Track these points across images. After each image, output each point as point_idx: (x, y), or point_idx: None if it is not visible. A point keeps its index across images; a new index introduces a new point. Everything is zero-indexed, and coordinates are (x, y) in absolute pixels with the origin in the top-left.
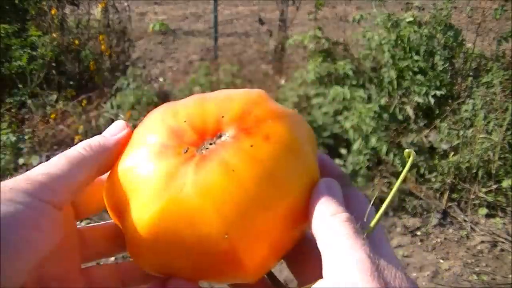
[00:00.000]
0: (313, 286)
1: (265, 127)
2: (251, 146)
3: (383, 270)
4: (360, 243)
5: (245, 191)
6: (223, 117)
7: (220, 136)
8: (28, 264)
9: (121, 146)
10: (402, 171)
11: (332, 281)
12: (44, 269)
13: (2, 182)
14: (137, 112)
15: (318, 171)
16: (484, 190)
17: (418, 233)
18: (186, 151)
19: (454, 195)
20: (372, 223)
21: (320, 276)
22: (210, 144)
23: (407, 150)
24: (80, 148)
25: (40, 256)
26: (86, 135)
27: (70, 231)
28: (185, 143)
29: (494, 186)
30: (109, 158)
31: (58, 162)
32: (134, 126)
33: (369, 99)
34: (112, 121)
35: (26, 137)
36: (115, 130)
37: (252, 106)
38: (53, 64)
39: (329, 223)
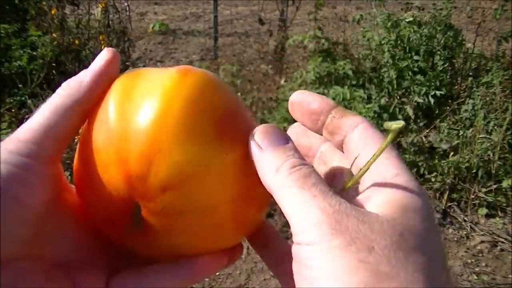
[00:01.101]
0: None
1: None
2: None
3: (344, 221)
4: (310, 195)
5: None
6: None
7: None
8: (22, 222)
9: (104, 78)
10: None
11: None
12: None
13: None
14: None
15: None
16: (484, 190)
17: None
18: None
19: (454, 195)
20: (349, 184)
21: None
22: None
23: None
24: (60, 90)
25: (32, 212)
26: None
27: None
28: None
29: (494, 186)
30: (91, 97)
31: (40, 113)
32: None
33: (369, 99)
34: None
35: None
36: (99, 61)
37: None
38: (53, 64)
39: (275, 183)
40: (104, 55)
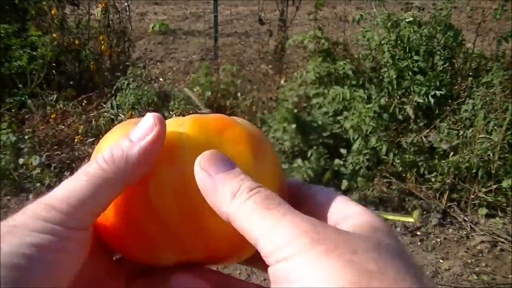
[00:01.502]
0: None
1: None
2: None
3: (322, 232)
4: (278, 214)
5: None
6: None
7: None
8: (63, 284)
9: (150, 153)
10: (402, 171)
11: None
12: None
13: (22, 210)
14: (137, 112)
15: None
16: (484, 190)
17: (418, 233)
18: None
19: (454, 195)
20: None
21: None
22: None
23: None
24: (102, 162)
25: (71, 274)
26: (86, 135)
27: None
28: None
29: (494, 186)
30: (136, 173)
31: (78, 184)
32: None
33: (369, 99)
34: (113, 121)
35: (26, 137)
36: (144, 130)
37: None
38: (53, 64)
39: (234, 209)
40: (152, 125)
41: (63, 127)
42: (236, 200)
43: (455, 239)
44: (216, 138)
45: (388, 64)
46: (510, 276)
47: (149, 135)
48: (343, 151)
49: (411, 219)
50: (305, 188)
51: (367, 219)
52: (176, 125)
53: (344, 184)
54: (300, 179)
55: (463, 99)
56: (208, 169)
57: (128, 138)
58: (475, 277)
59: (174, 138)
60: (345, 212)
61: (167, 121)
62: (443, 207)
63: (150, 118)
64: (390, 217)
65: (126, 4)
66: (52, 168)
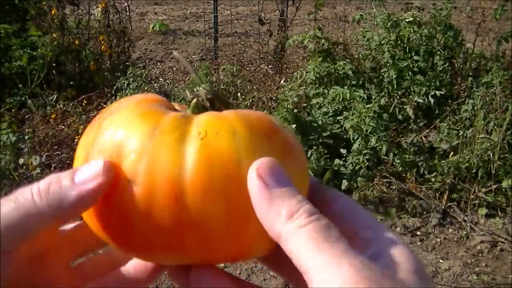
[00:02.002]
0: None
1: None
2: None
3: (379, 280)
4: (339, 250)
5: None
6: None
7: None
8: None
9: (87, 200)
10: (402, 171)
11: None
12: (31, 273)
13: None
14: None
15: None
16: (484, 190)
17: (418, 233)
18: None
19: (454, 195)
20: None
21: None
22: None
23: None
24: (36, 194)
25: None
26: None
27: (52, 235)
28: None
29: (494, 186)
30: (68, 214)
31: (7, 211)
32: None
33: (369, 99)
34: None
35: (26, 137)
36: (90, 175)
37: None
38: (53, 64)
39: (290, 231)
40: (98, 173)
41: (63, 127)
42: (293, 222)
43: (455, 239)
44: (266, 146)
45: (388, 64)
46: (510, 276)
47: (92, 183)
48: (343, 151)
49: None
50: (322, 189)
51: (406, 258)
52: (227, 128)
53: (344, 184)
54: (315, 178)
55: (463, 99)
56: (267, 179)
57: (71, 175)
58: (475, 277)
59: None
60: (374, 238)
61: (206, 117)
62: (443, 207)
63: (99, 164)
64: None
65: (126, 4)
66: (52, 168)
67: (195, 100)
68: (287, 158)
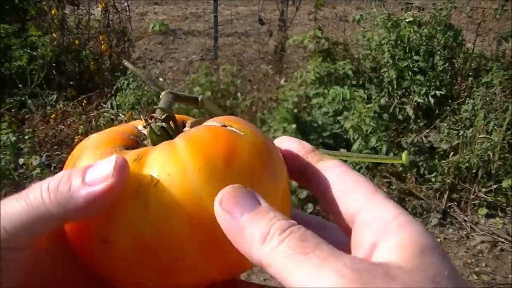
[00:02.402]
0: None
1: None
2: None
3: (370, 281)
4: (317, 259)
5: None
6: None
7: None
8: None
9: (99, 201)
10: (402, 171)
11: None
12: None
13: None
14: (137, 112)
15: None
16: (484, 190)
17: None
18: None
19: (454, 195)
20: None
21: None
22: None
23: None
24: (45, 192)
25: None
26: (86, 135)
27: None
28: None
29: (494, 186)
30: (79, 214)
31: (15, 208)
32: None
33: (369, 99)
34: (113, 121)
35: (26, 137)
36: (101, 175)
37: None
38: (53, 64)
39: (267, 255)
40: (110, 173)
41: (63, 127)
42: (267, 245)
43: (455, 239)
44: (225, 171)
45: (388, 64)
46: (510, 276)
47: (103, 183)
48: (343, 151)
49: (400, 161)
50: (314, 159)
51: (412, 236)
52: (178, 166)
53: None
54: (308, 145)
55: (463, 99)
56: (232, 210)
57: (82, 174)
58: (475, 277)
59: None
60: (377, 217)
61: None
62: (443, 207)
63: (111, 163)
64: (378, 160)
65: (126, 4)
66: (52, 168)
67: (148, 129)
68: (253, 174)
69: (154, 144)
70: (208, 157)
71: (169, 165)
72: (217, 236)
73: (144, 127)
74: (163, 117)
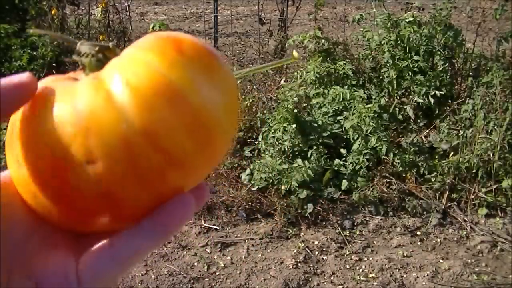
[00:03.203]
0: None
1: None
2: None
3: None
4: None
5: None
6: None
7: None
8: None
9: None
10: (402, 171)
11: None
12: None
13: None
14: None
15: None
16: (484, 190)
17: (418, 233)
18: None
19: (454, 195)
20: None
21: None
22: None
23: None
24: None
25: None
26: None
27: None
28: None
29: (494, 186)
30: None
31: None
32: None
33: (369, 99)
34: None
35: None
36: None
37: None
38: (53, 64)
39: None
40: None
41: None
42: None
43: (455, 239)
44: (181, 59)
45: (388, 64)
46: (510, 276)
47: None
48: (343, 151)
49: (292, 60)
50: None
51: None
52: (132, 61)
53: (344, 184)
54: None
55: (463, 99)
56: None
57: None
58: (475, 277)
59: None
60: None
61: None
62: (443, 207)
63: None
64: (271, 66)
65: (126, 4)
66: None
67: (88, 59)
68: (204, 61)
69: (92, 71)
70: (161, 52)
71: (133, 66)
72: (196, 119)
73: (83, 64)
74: (96, 48)
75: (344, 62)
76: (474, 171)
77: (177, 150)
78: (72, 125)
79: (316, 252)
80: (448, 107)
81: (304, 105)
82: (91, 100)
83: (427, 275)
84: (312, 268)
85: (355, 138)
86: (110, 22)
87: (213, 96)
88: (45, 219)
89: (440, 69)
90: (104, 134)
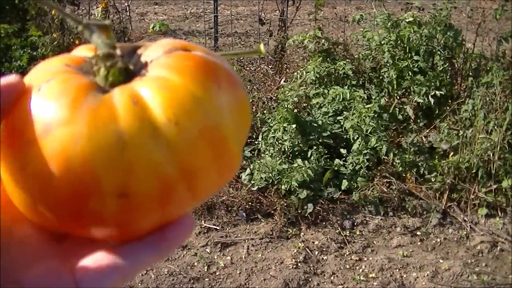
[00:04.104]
0: None
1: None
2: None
3: None
4: None
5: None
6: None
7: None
8: None
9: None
10: (402, 171)
11: None
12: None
13: None
14: None
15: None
16: (484, 190)
17: (418, 233)
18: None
19: (454, 195)
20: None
21: None
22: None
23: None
24: None
25: None
26: None
27: None
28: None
29: (494, 186)
30: None
31: None
32: None
33: (369, 99)
34: None
35: None
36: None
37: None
38: None
39: None
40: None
41: None
42: None
43: (455, 239)
44: (220, 93)
45: (388, 64)
46: (510, 276)
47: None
48: (343, 151)
49: (258, 53)
50: None
51: None
52: (174, 92)
53: (344, 184)
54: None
55: (463, 99)
56: None
57: None
58: (475, 277)
59: None
60: None
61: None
62: (443, 207)
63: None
64: (237, 55)
65: (126, 4)
66: None
67: (112, 66)
68: (234, 89)
69: (114, 80)
70: (205, 85)
71: (177, 99)
72: (230, 153)
73: (99, 66)
74: (119, 53)
75: (344, 62)
76: (474, 171)
77: (205, 190)
78: (113, 156)
79: (316, 252)
80: (448, 107)
81: (304, 105)
82: (137, 135)
83: (427, 275)
84: (312, 268)
85: (355, 138)
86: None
87: (242, 137)
88: (36, 222)
89: (440, 69)
90: (147, 173)
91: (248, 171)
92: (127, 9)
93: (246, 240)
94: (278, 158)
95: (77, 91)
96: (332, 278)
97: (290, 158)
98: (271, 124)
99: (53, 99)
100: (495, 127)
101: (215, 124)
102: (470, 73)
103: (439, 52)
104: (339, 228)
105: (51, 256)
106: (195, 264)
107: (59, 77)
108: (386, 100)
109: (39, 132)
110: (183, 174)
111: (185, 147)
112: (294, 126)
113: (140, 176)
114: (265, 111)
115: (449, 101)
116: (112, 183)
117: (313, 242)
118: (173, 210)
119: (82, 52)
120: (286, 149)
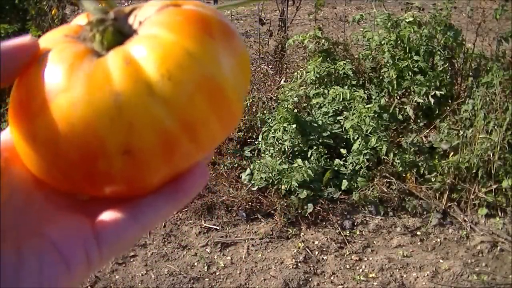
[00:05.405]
0: None
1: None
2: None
3: None
4: None
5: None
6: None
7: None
8: None
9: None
10: (402, 171)
11: None
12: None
13: None
14: None
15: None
16: (484, 190)
17: (418, 233)
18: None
19: (454, 195)
20: None
21: None
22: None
23: None
24: None
25: None
26: None
27: None
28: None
29: (494, 186)
30: None
31: None
32: None
33: (369, 99)
34: None
35: None
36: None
37: None
38: None
39: None
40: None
41: None
42: None
43: (455, 239)
44: (213, 43)
45: (388, 64)
46: (510, 276)
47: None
48: (343, 151)
49: (256, 0)
50: None
51: None
52: (166, 47)
53: (344, 184)
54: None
55: (463, 99)
56: None
57: None
58: (475, 277)
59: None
60: None
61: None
62: (443, 207)
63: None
64: (231, 7)
65: (126, 4)
66: None
67: (103, 32)
68: (229, 40)
69: (109, 43)
70: (197, 37)
71: (169, 54)
72: (229, 103)
73: (91, 29)
74: (111, 17)
75: (344, 62)
76: (474, 171)
77: (209, 140)
78: (113, 118)
79: (316, 252)
80: (448, 107)
81: (304, 105)
82: (133, 94)
83: (427, 275)
84: (312, 268)
85: (355, 138)
86: None
87: (242, 86)
88: (53, 186)
89: (440, 69)
90: (147, 130)
91: (248, 171)
92: None
93: (246, 240)
94: (278, 158)
95: (73, 58)
96: (332, 278)
97: (290, 158)
98: (271, 124)
99: (52, 68)
100: (495, 127)
101: (210, 75)
102: (470, 73)
103: (439, 52)
104: (339, 228)
105: (73, 212)
106: (195, 264)
107: (58, 47)
108: (386, 100)
109: (42, 101)
110: (183, 127)
111: (181, 100)
112: (294, 126)
113: (141, 132)
114: (265, 111)
115: (449, 101)
116: (115, 142)
117: (313, 242)
118: (180, 162)
119: (81, 20)
120: (286, 149)
